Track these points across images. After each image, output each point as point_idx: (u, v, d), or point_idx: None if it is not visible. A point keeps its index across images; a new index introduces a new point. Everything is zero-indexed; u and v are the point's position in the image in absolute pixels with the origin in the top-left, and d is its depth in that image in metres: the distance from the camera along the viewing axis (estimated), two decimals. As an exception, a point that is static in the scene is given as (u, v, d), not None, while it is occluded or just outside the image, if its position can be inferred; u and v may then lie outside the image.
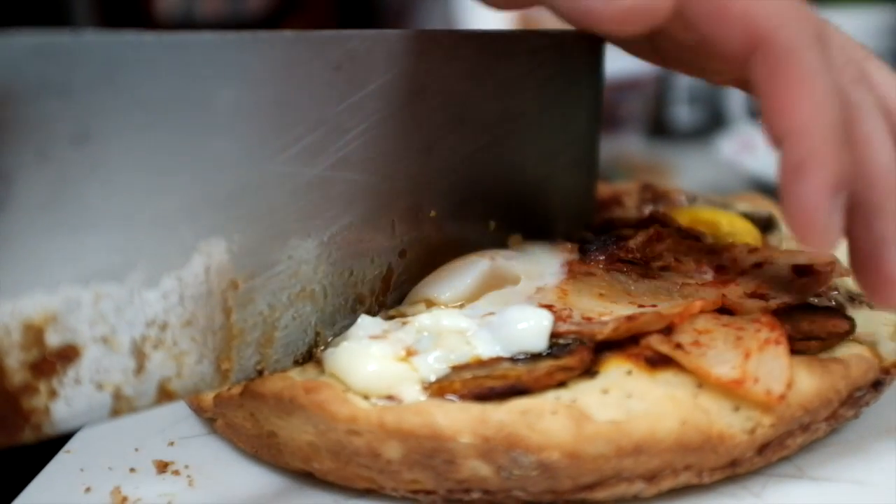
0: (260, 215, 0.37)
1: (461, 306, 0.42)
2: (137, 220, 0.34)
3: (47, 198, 0.31)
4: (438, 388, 0.36)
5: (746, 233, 0.54)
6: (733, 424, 0.35)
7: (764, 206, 0.58)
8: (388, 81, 0.40)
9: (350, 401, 0.35)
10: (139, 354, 0.35)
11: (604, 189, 0.61)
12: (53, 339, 0.33)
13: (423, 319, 0.39)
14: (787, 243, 0.55)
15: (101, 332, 0.34)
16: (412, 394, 0.36)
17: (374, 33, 0.40)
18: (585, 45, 0.50)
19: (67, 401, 0.33)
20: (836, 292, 0.44)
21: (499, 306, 0.41)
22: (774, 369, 0.36)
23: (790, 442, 0.37)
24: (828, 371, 0.37)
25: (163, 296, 0.35)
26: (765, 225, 0.55)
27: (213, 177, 0.36)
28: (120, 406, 0.35)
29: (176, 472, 0.40)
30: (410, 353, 0.37)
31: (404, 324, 0.40)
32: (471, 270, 0.44)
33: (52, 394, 0.33)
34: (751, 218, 0.55)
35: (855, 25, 0.96)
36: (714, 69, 0.40)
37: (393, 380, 0.36)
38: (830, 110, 0.33)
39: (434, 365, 0.37)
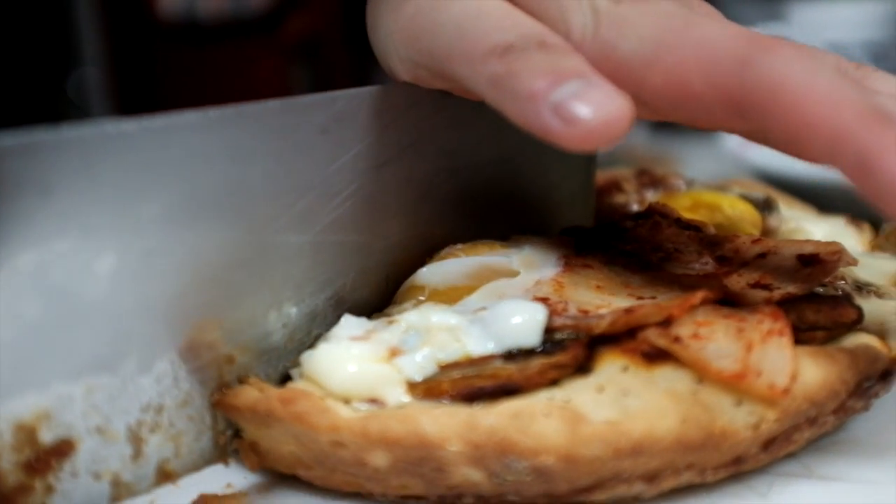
0: (252, 288, 0.37)
1: (452, 301, 0.40)
2: (127, 309, 0.33)
3: (31, 295, 0.31)
4: (425, 389, 0.34)
5: (747, 214, 0.53)
6: (736, 420, 0.34)
7: (759, 190, 0.57)
8: (376, 138, 0.40)
9: (330, 409, 0.34)
10: (136, 440, 0.35)
11: (601, 175, 0.59)
12: (47, 437, 0.32)
13: (411, 317, 0.38)
14: (787, 224, 0.53)
15: (95, 423, 0.33)
16: (395, 396, 0.34)
17: (359, 92, 0.39)
18: None
19: (65, 495, 0.33)
20: (843, 282, 0.43)
21: (492, 300, 0.39)
22: (777, 362, 0.34)
23: (797, 437, 0.36)
24: (834, 361, 0.35)
25: (156, 380, 0.35)
26: (763, 207, 0.54)
27: (202, 256, 0.35)
28: (119, 493, 0.34)
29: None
30: (395, 353, 0.36)
31: (390, 323, 0.38)
32: (465, 260, 0.42)
33: (49, 490, 0.33)
34: (749, 200, 0.54)
35: (855, 16, 0.94)
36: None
37: (375, 382, 0.35)
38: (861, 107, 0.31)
39: (421, 364, 0.35)
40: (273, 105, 0.36)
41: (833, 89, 0.31)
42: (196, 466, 0.37)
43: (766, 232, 0.53)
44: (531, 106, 0.32)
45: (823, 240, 0.49)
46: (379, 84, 0.41)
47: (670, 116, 0.36)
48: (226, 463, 0.38)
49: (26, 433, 0.32)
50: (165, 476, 0.36)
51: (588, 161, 0.52)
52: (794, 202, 0.58)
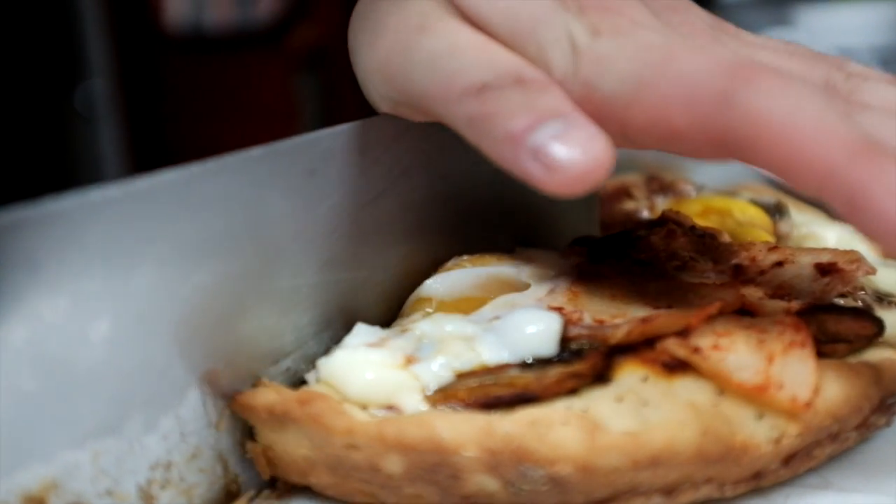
0: (256, 334, 0.37)
1: (461, 312, 0.40)
2: (126, 371, 0.33)
3: (30, 368, 0.30)
4: (441, 397, 0.34)
5: (758, 219, 0.52)
6: (757, 434, 0.33)
7: (768, 195, 0.57)
8: (365, 173, 0.39)
9: (347, 412, 0.33)
10: (147, 498, 0.34)
11: (609, 182, 0.59)
12: None
13: (424, 326, 0.37)
14: (798, 230, 0.53)
15: (105, 487, 0.33)
16: (413, 403, 0.34)
17: (343, 130, 0.38)
18: None
19: None
20: (862, 292, 0.42)
21: (505, 310, 0.39)
22: (800, 374, 0.34)
23: (818, 452, 0.35)
24: (858, 376, 0.35)
25: (163, 437, 0.34)
26: (774, 211, 0.54)
27: (200, 309, 0.34)
28: None
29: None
30: (410, 360, 0.35)
31: (404, 331, 0.37)
32: (472, 271, 0.42)
33: None
34: (759, 205, 0.54)
35: (863, 20, 0.94)
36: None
37: (392, 388, 0.34)
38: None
39: (437, 372, 0.35)
40: (256, 153, 0.35)
41: (818, 124, 0.30)
42: None
43: (778, 237, 0.53)
44: (510, 148, 0.31)
45: (836, 245, 0.49)
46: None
47: (659, 150, 0.35)
48: None
49: None
50: None
51: None
52: (805, 207, 0.58)
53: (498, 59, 0.34)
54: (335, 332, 0.39)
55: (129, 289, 0.33)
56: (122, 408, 0.33)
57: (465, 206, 0.44)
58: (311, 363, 0.38)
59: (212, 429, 0.36)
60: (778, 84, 0.31)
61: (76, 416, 0.32)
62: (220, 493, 0.36)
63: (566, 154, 0.31)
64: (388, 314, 0.42)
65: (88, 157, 2.14)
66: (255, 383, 0.37)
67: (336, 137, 0.38)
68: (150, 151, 2.23)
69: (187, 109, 2.17)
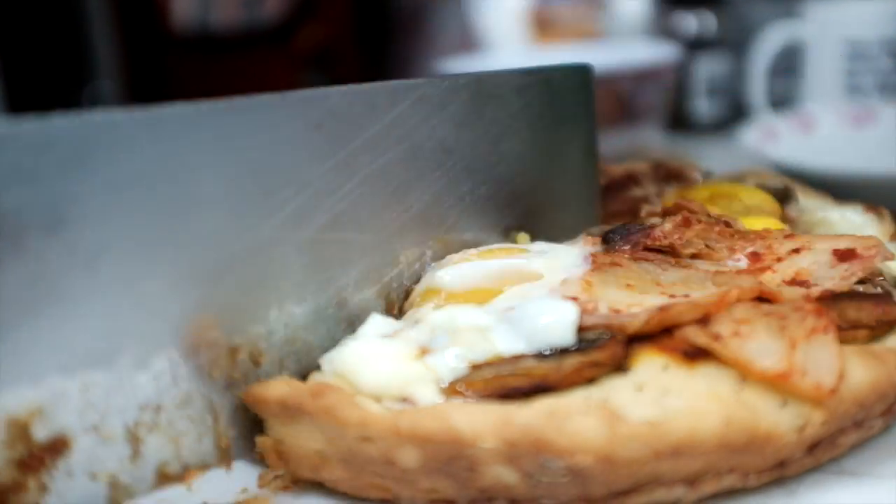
0: (251, 284, 0.36)
1: (472, 303, 0.39)
2: (122, 303, 0.33)
3: (27, 289, 0.30)
4: (457, 389, 0.33)
5: (766, 204, 0.52)
6: (781, 422, 0.32)
7: (774, 180, 0.56)
8: (373, 136, 0.39)
9: (361, 405, 0.33)
10: (133, 439, 0.34)
11: (616, 169, 0.58)
12: (41, 433, 0.32)
13: (438, 316, 0.36)
14: (810, 215, 0.52)
15: (91, 421, 0.33)
16: (428, 395, 0.33)
17: (353, 89, 0.39)
18: (573, 80, 0.49)
19: (60, 495, 0.32)
20: (881, 278, 0.41)
21: (519, 301, 0.38)
22: (823, 360, 0.33)
23: (842, 441, 0.34)
24: (882, 362, 0.34)
25: (154, 378, 0.34)
26: (781, 196, 0.53)
27: (198, 251, 0.34)
28: (117, 495, 0.34)
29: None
30: (424, 351, 0.35)
31: (417, 322, 0.37)
32: (483, 263, 0.41)
33: (43, 489, 0.32)
34: (767, 190, 0.53)
35: (873, 13, 0.93)
36: None
37: (406, 380, 0.34)
38: None
39: (451, 364, 0.34)
40: (265, 99, 0.36)
41: None
42: (198, 469, 0.36)
43: (786, 222, 0.52)
44: None
45: (846, 230, 0.48)
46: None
47: None
48: (229, 467, 0.37)
49: (20, 429, 0.31)
50: (165, 478, 0.35)
51: (587, 155, 0.51)
52: (811, 192, 0.57)
53: None
54: (338, 292, 0.39)
55: (132, 220, 0.32)
56: (114, 340, 0.33)
57: (471, 181, 0.44)
58: (302, 326, 0.38)
59: (204, 377, 0.35)
60: None
61: (68, 343, 0.32)
62: (210, 448, 0.36)
63: None
64: (383, 285, 0.41)
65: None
66: (233, 348, 0.36)
67: (345, 95, 0.38)
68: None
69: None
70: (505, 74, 0.46)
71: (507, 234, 0.47)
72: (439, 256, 0.43)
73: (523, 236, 0.47)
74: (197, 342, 0.35)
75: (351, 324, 0.39)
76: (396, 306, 0.42)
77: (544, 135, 0.47)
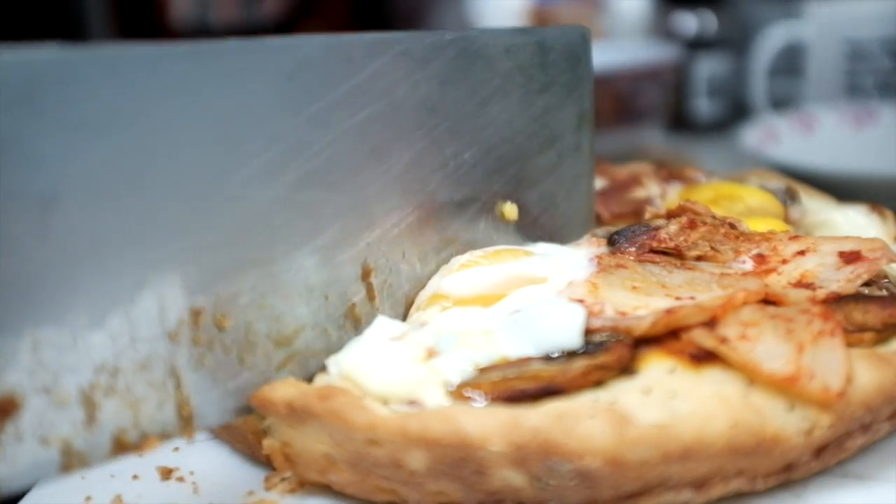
0: (216, 243, 0.34)
1: (484, 305, 0.39)
2: (75, 257, 0.30)
3: None
4: (464, 392, 0.33)
5: (769, 205, 0.52)
6: (788, 425, 0.32)
7: (776, 181, 0.56)
8: (349, 90, 0.37)
9: (368, 407, 0.32)
10: (88, 403, 0.31)
11: (620, 171, 0.58)
12: None
13: (444, 319, 0.36)
14: (814, 216, 0.52)
15: (42, 382, 0.30)
16: (435, 398, 0.33)
17: (328, 39, 0.36)
18: (568, 43, 0.46)
19: (8, 460, 0.30)
20: (886, 280, 0.41)
21: (525, 303, 0.38)
22: (831, 363, 0.33)
23: (849, 444, 0.34)
24: (889, 365, 0.34)
25: (110, 337, 0.32)
26: (784, 197, 0.53)
27: (159, 203, 0.32)
28: (70, 461, 0.31)
29: (180, 479, 0.38)
30: (432, 354, 0.35)
31: (423, 324, 0.37)
32: (490, 269, 0.41)
33: None
34: (770, 191, 0.53)
35: (874, 13, 0.93)
36: None
37: (414, 383, 0.33)
38: None
39: (458, 366, 0.34)
40: (232, 45, 0.34)
41: None
42: (157, 438, 0.33)
43: (789, 223, 0.52)
44: None
45: (849, 232, 0.48)
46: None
47: None
48: (190, 436, 0.34)
49: None
50: (122, 447, 0.33)
51: (581, 123, 0.48)
52: (815, 193, 0.57)
53: None
54: (303, 256, 0.37)
55: (87, 161, 0.30)
56: (65, 294, 0.30)
57: (455, 144, 0.42)
58: (277, 289, 0.35)
59: (166, 339, 0.33)
60: None
61: (14, 296, 0.29)
62: (172, 416, 0.33)
63: None
64: (359, 251, 0.39)
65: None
66: (195, 309, 0.34)
67: (318, 46, 0.36)
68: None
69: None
70: (495, 32, 0.43)
71: (494, 205, 0.44)
72: (416, 232, 0.41)
73: (510, 207, 0.45)
74: (159, 300, 0.33)
75: (321, 296, 0.37)
76: (368, 278, 0.39)
77: (535, 99, 0.45)
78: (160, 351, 0.33)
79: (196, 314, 0.34)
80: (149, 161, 0.32)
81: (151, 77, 0.31)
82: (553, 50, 0.45)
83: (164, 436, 0.33)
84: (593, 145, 0.49)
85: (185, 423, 0.34)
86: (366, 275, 0.39)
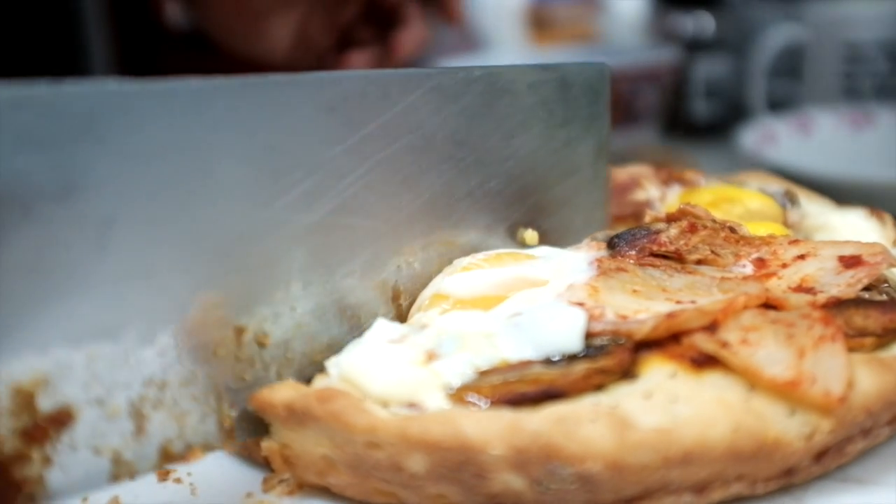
0: (258, 264, 0.36)
1: (485, 307, 0.39)
2: (129, 276, 0.32)
3: (34, 256, 0.30)
4: (464, 395, 0.33)
5: (768, 208, 0.52)
6: (789, 430, 0.32)
7: (775, 183, 0.57)
8: (385, 123, 0.39)
9: (368, 410, 0.32)
10: (138, 416, 0.34)
11: (620, 173, 0.58)
12: (45, 404, 0.31)
13: (444, 322, 0.36)
14: (813, 219, 0.52)
15: (95, 395, 0.32)
16: (435, 401, 0.33)
17: (367, 74, 0.39)
18: (589, 79, 0.48)
19: (63, 468, 0.32)
20: (886, 285, 0.41)
21: (525, 306, 0.38)
22: (832, 368, 0.33)
23: (850, 449, 0.34)
24: (889, 370, 0.34)
25: (159, 353, 0.34)
26: (783, 201, 0.53)
27: (206, 227, 0.34)
28: (120, 471, 0.33)
29: (178, 481, 0.38)
30: (432, 357, 0.34)
31: (423, 327, 0.37)
32: (491, 271, 0.41)
33: (46, 461, 0.31)
34: (769, 194, 0.53)
35: (872, 15, 0.93)
36: None
37: (414, 386, 0.33)
38: None
39: (458, 369, 0.34)
40: (279, 79, 0.36)
41: None
42: (201, 449, 0.36)
43: (788, 226, 0.52)
44: None
45: (849, 235, 0.48)
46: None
47: None
48: (233, 449, 0.37)
49: (25, 398, 0.31)
50: (168, 457, 0.35)
51: (599, 155, 0.50)
52: (812, 196, 0.58)
53: None
54: (334, 280, 0.39)
55: (138, 192, 0.32)
56: (121, 313, 0.33)
57: (481, 179, 0.44)
58: (308, 311, 0.38)
59: (209, 356, 0.35)
60: None
61: (74, 313, 0.31)
62: (213, 428, 0.36)
63: None
64: (388, 274, 0.41)
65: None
66: (238, 327, 0.36)
67: (358, 80, 0.38)
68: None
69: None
70: (519, 69, 0.45)
71: (515, 231, 0.46)
72: (444, 256, 0.43)
73: (531, 234, 0.47)
74: (203, 320, 0.35)
75: (353, 317, 0.39)
76: (398, 301, 0.42)
77: (556, 132, 0.47)
78: (203, 367, 0.35)
79: (239, 332, 0.36)
80: (197, 187, 0.34)
81: (202, 109, 0.33)
82: (574, 85, 0.47)
83: (207, 447, 0.36)
84: (610, 174, 0.52)
85: (227, 435, 0.36)
86: (395, 297, 0.41)
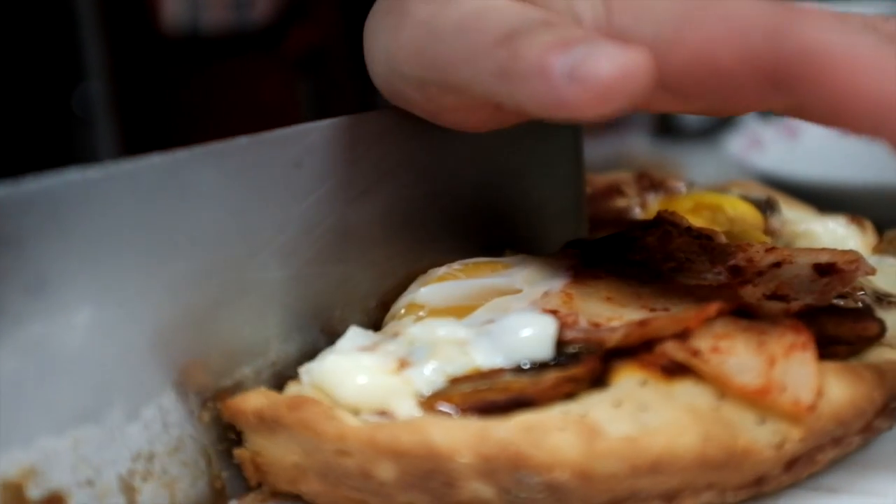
0: (238, 326, 0.36)
1: (458, 316, 0.39)
2: (107, 358, 0.33)
3: (10, 353, 0.30)
4: (435, 403, 0.33)
5: (749, 215, 0.52)
6: (759, 439, 0.32)
7: (758, 191, 0.57)
8: (351, 169, 0.39)
9: (338, 418, 0.32)
10: (128, 490, 0.34)
11: (599, 179, 0.58)
12: (35, 493, 0.31)
13: (416, 330, 0.36)
14: (794, 226, 0.52)
15: (85, 476, 0.32)
16: (406, 408, 0.33)
17: (330, 124, 0.38)
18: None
19: None
20: (862, 292, 0.41)
21: (498, 314, 0.38)
22: (802, 377, 0.33)
23: (820, 457, 0.34)
24: (860, 378, 0.34)
25: (145, 427, 0.34)
26: (764, 208, 0.53)
27: (182, 298, 0.34)
28: None
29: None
30: (403, 365, 0.34)
31: (395, 335, 0.37)
32: (466, 283, 0.41)
33: None
34: (750, 201, 0.53)
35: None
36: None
37: (385, 394, 0.33)
38: None
39: (430, 377, 0.34)
40: (243, 142, 0.35)
41: (876, 55, 0.28)
42: None
43: (769, 233, 0.52)
44: (542, 81, 0.30)
45: (829, 243, 0.48)
46: (383, 100, 0.40)
47: (697, 101, 0.34)
48: None
49: (13, 491, 0.31)
50: None
51: (576, 174, 0.50)
52: (794, 203, 0.58)
53: (526, 11, 0.34)
54: (315, 329, 0.39)
55: (112, 274, 0.32)
56: (102, 395, 0.33)
57: (453, 206, 0.44)
58: (289, 363, 0.37)
59: (194, 421, 0.35)
60: (831, 18, 0.30)
61: (55, 402, 0.31)
62: (205, 490, 0.36)
63: (600, 64, 0.29)
64: (369, 314, 0.41)
65: (86, 159, 2.12)
66: (233, 383, 0.36)
67: (323, 131, 0.38)
68: (148, 153, 2.21)
69: (185, 111, 2.16)
70: None
71: (502, 254, 0.46)
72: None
73: (510, 254, 0.46)
74: (185, 388, 0.35)
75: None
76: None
77: (530, 149, 0.46)
78: (190, 432, 0.35)
79: (222, 395, 0.36)
80: (167, 260, 0.34)
81: (166, 184, 0.33)
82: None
83: None
84: (586, 181, 0.52)
85: (218, 495, 0.36)
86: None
